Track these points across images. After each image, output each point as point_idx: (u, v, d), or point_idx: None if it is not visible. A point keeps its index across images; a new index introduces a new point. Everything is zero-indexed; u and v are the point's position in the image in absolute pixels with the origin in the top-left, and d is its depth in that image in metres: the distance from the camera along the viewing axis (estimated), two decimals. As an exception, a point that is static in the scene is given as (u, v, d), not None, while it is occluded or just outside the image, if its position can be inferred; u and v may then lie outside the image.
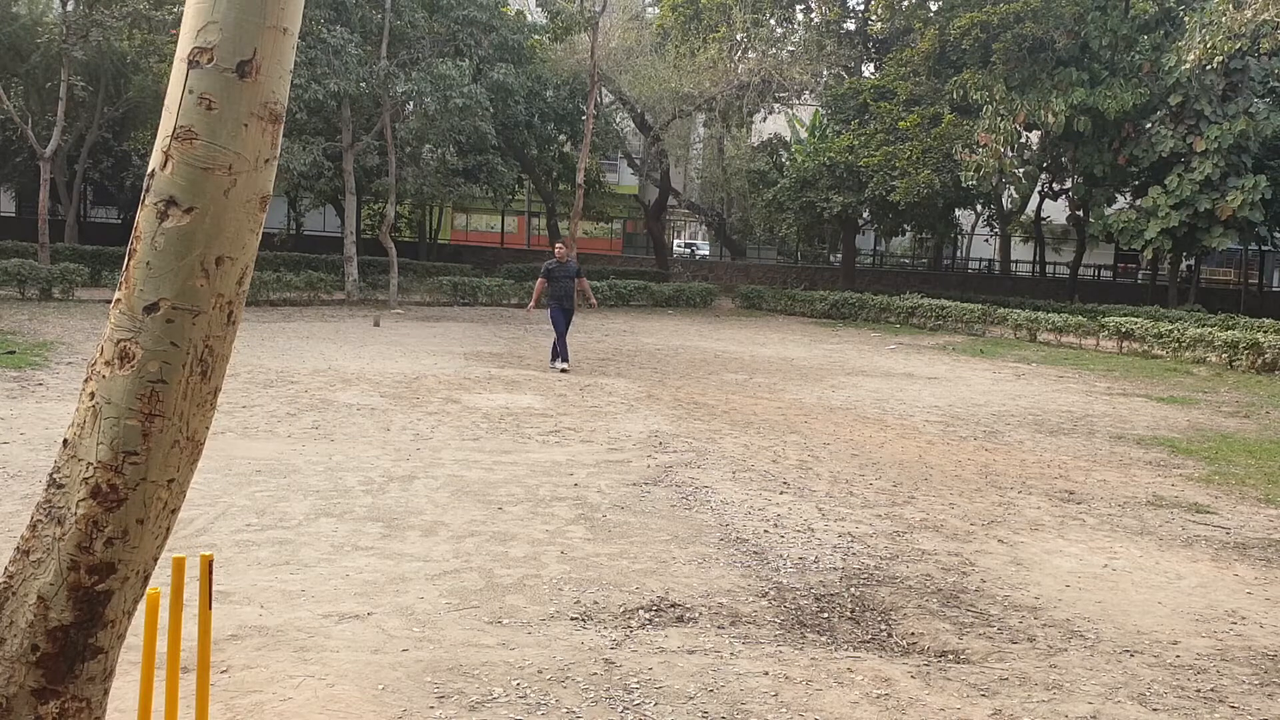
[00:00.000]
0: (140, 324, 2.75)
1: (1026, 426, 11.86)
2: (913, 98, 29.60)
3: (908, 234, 40.06)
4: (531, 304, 15.30)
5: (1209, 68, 22.67)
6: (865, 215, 33.14)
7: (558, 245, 15.29)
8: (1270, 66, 25.74)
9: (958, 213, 36.27)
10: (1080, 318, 23.17)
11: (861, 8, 35.20)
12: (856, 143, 29.81)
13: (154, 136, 3.10)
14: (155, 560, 2.95)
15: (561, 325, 14.57)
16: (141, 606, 3.00)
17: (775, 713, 4.22)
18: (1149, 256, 28.10)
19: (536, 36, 29.74)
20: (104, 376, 2.78)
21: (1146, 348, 20.72)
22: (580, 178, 27.51)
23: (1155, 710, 4.45)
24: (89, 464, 2.76)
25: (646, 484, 8.05)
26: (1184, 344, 19.99)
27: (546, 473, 8.25)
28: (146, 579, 2.94)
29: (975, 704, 4.40)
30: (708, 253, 47.52)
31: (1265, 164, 25.31)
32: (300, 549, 6.00)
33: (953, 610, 5.58)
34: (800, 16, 35.04)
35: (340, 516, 6.72)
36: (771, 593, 5.71)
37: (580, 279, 14.92)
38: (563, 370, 14.32)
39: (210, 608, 3.33)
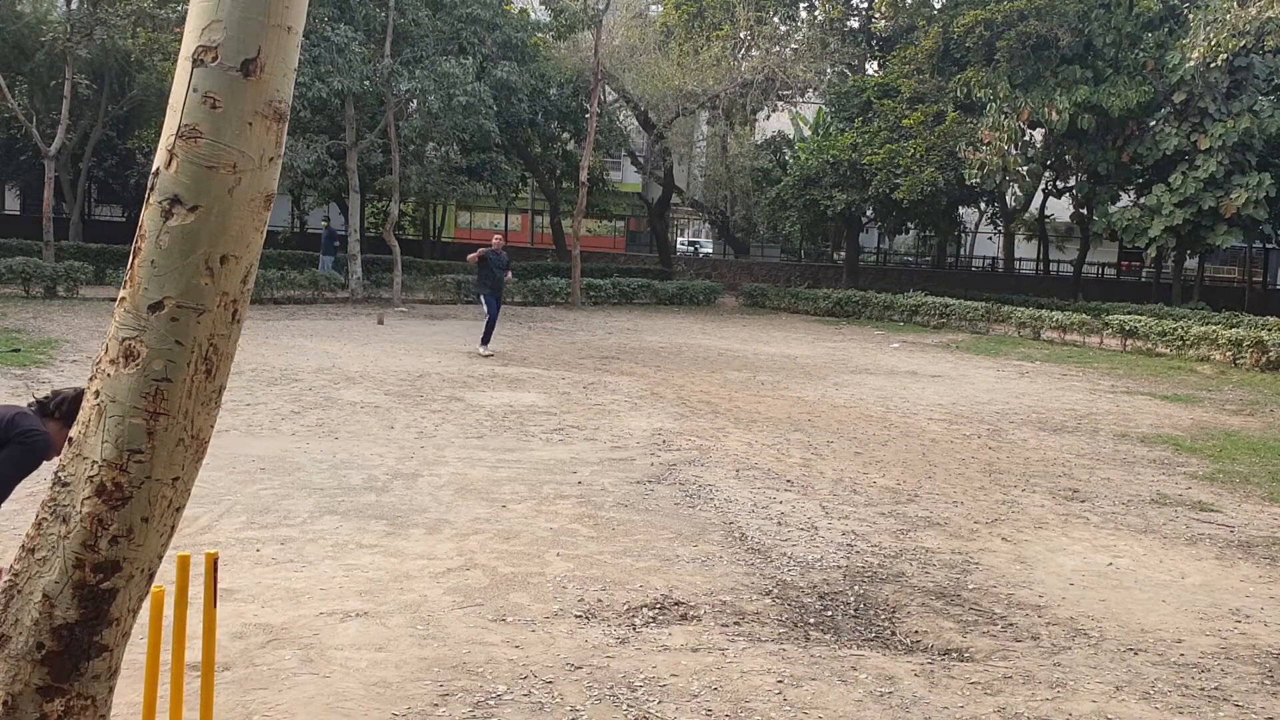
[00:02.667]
0: (145, 322, 2.75)
1: (1030, 425, 11.85)
2: (916, 95, 29.55)
3: (911, 232, 40.03)
4: (474, 257, 16.01)
5: (1213, 65, 22.59)
6: (869, 213, 33.11)
7: (495, 237, 17.06)
8: (1275, 64, 25.66)
9: (961, 211, 36.25)
10: (1084, 316, 23.15)
11: (865, 5, 35.16)
12: (860, 140, 29.78)
13: (158, 135, 3.10)
14: (160, 558, 2.95)
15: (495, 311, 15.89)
16: (146, 605, 3.00)
17: (779, 710, 4.22)
18: (1153, 254, 28.03)
19: (540, 34, 29.72)
20: (109, 375, 2.78)
21: (1150, 346, 20.69)
22: (584, 176, 27.50)
23: (1159, 708, 4.44)
24: (94, 462, 2.76)
25: (650, 482, 8.06)
26: (1188, 342, 19.96)
27: (550, 470, 8.26)
28: (151, 577, 2.95)
29: (979, 702, 4.40)
30: (711, 251, 47.54)
31: (1270, 161, 25.24)
32: (304, 547, 6.01)
33: (956, 608, 5.58)
34: (804, 14, 35.03)
35: (344, 514, 6.73)
36: (775, 591, 5.71)
37: (508, 270, 16.25)
38: (487, 355, 15.42)
39: (215, 606, 3.34)
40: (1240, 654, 5.13)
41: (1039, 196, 35.37)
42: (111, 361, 2.78)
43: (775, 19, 33.66)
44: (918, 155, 28.09)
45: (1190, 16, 23.37)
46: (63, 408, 3.78)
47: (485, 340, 15.67)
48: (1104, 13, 26.27)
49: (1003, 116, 26.27)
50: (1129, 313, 23.66)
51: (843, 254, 37.61)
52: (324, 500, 7.03)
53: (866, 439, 10.39)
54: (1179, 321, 21.35)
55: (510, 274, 16.47)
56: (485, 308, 15.79)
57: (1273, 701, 4.58)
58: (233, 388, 10.53)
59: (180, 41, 2.87)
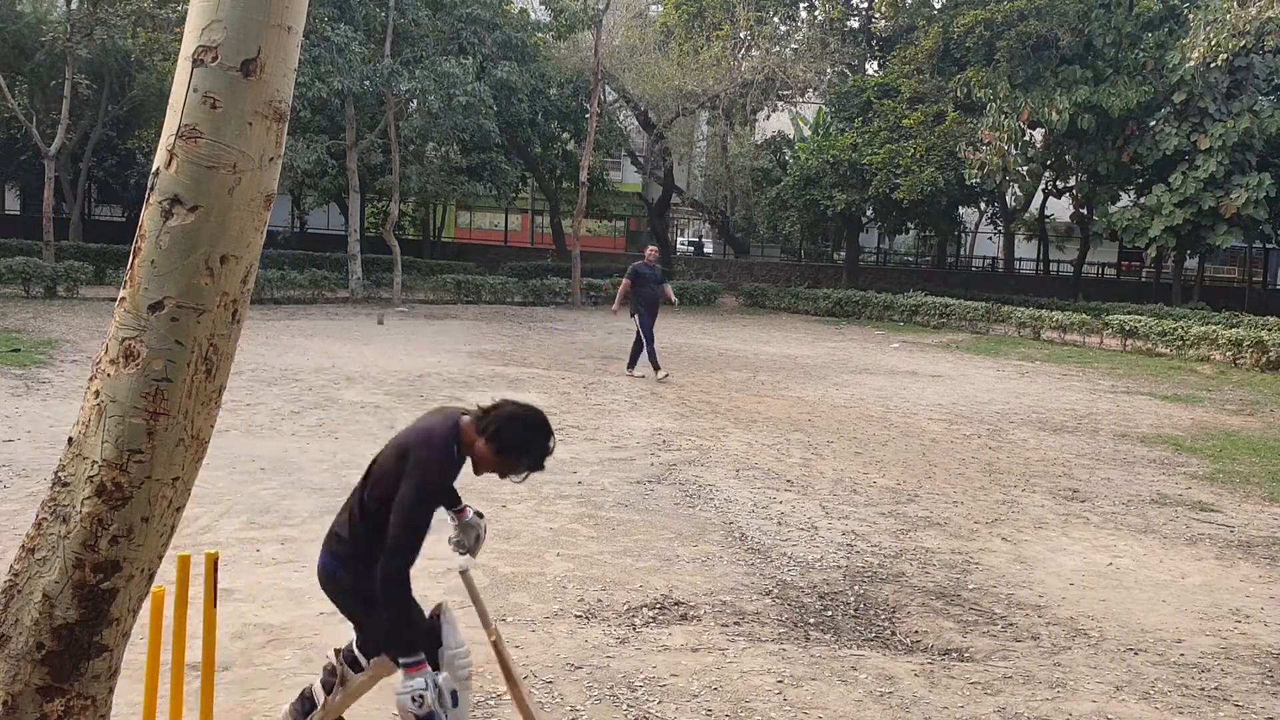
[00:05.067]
0: (145, 322, 2.74)
1: (1030, 424, 11.85)
2: (916, 95, 29.56)
3: (911, 232, 40.03)
4: (615, 306, 14.34)
5: (1213, 65, 22.59)
6: (869, 213, 33.12)
7: (649, 248, 15.23)
8: (1275, 64, 25.67)
9: (961, 211, 36.25)
10: (1084, 316, 23.15)
11: (865, 5, 35.18)
12: (860, 140, 29.79)
13: (158, 135, 3.10)
14: (160, 558, 2.95)
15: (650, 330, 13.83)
16: (146, 605, 3.00)
17: (779, 710, 4.22)
18: (1153, 254, 28.05)
19: (540, 34, 29.74)
20: (109, 375, 2.78)
21: (1150, 346, 20.69)
22: (584, 176, 27.51)
23: (1159, 708, 4.44)
24: (94, 462, 2.76)
25: (650, 482, 8.05)
26: (1188, 342, 19.97)
27: (550, 470, 8.20)
28: (151, 577, 2.94)
29: (979, 702, 4.40)
30: (711, 250, 47.53)
31: (1269, 162, 25.25)
32: (304, 547, 6.00)
33: (956, 608, 5.58)
34: (804, 14, 35.04)
35: (344, 514, 6.71)
36: (775, 591, 5.71)
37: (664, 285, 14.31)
38: (664, 377, 13.70)
39: (215, 606, 3.34)
40: (1240, 654, 5.13)
41: (1039, 196, 35.38)
42: (111, 361, 2.78)
43: (775, 19, 33.69)
44: (918, 155, 28.09)
45: (1190, 16, 23.35)
46: (489, 430, 3.24)
47: (631, 363, 14.01)
48: (1104, 13, 26.28)
49: (1003, 116, 26.28)
50: (1129, 313, 23.65)
51: (843, 254, 37.61)
52: (324, 500, 7.02)
53: (866, 439, 10.39)
54: (1179, 321, 21.36)
55: (669, 290, 14.25)
56: (640, 327, 13.76)
57: (1273, 701, 4.58)
58: (233, 388, 10.53)
59: (180, 41, 2.87)
